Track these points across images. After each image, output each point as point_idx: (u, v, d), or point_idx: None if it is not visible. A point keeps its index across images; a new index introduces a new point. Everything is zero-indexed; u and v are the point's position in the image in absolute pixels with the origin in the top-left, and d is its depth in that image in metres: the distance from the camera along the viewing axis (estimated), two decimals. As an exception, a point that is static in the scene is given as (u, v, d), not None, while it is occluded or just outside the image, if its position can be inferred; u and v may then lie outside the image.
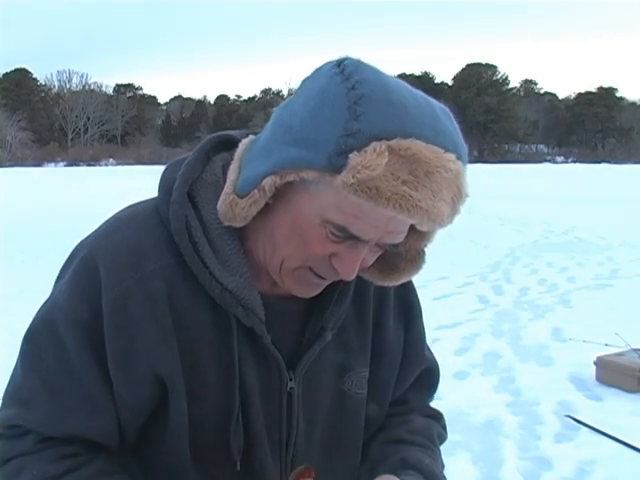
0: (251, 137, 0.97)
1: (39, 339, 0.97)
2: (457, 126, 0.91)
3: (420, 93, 0.90)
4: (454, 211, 0.88)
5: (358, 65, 0.87)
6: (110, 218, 1.02)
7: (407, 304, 1.15)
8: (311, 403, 1.04)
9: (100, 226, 1.01)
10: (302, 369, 1.02)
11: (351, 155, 0.82)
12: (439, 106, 0.91)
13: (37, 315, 0.99)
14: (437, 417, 1.23)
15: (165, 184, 0.98)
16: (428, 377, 1.20)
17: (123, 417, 0.97)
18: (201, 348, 0.96)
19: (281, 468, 1.03)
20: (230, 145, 1.00)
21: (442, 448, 1.20)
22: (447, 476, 1.14)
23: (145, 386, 0.95)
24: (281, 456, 1.03)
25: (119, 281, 0.93)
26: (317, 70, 0.90)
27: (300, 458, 1.04)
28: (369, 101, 0.83)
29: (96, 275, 0.94)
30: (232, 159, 0.96)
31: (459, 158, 0.87)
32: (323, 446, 1.07)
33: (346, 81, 0.85)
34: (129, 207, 1.03)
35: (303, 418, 1.03)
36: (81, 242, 1.01)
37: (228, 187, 0.91)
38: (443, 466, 1.17)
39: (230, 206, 0.90)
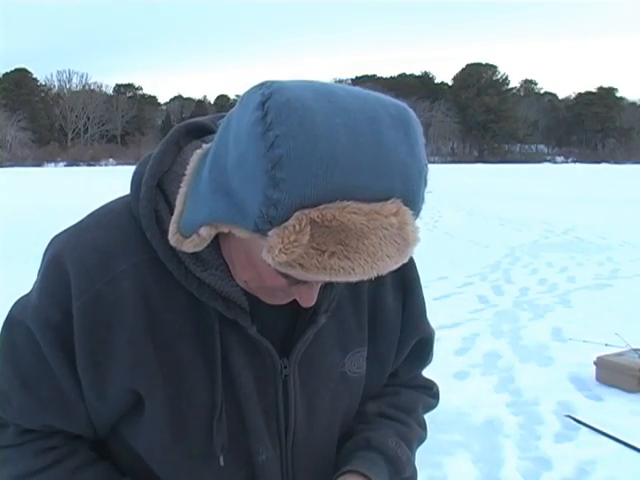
0: (204, 147, 0.92)
1: (14, 330, 0.97)
2: (415, 133, 0.81)
3: (364, 110, 0.78)
4: (402, 257, 0.81)
5: (282, 109, 0.75)
6: (85, 216, 1.01)
7: (405, 279, 1.12)
8: (311, 388, 1.03)
9: (75, 224, 1.00)
10: (297, 355, 1.00)
11: (270, 233, 0.76)
12: (391, 116, 0.79)
13: (15, 305, 1.00)
14: (428, 387, 1.23)
15: (136, 179, 0.96)
16: (421, 348, 1.19)
17: (92, 416, 0.98)
18: (182, 344, 0.95)
19: (281, 457, 1.02)
20: (201, 132, 0.98)
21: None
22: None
23: (114, 391, 0.95)
24: (281, 445, 1.02)
25: (89, 286, 0.92)
26: (249, 96, 0.80)
27: (301, 446, 1.03)
28: (289, 164, 0.74)
29: (66, 278, 0.93)
30: (202, 147, 0.93)
31: (407, 198, 0.78)
32: (325, 430, 1.07)
33: (266, 134, 0.75)
34: (104, 205, 1.01)
35: (303, 404, 1.02)
36: (54, 238, 1.00)
37: (174, 222, 0.89)
38: (421, 438, 1.18)
39: (177, 243, 0.88)
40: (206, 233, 0.85)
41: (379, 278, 1.08)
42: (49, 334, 0.94)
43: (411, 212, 0.79)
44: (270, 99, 0.77)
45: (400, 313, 1.13)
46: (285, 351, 1.00)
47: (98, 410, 0.97)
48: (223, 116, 0.95)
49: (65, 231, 1.00)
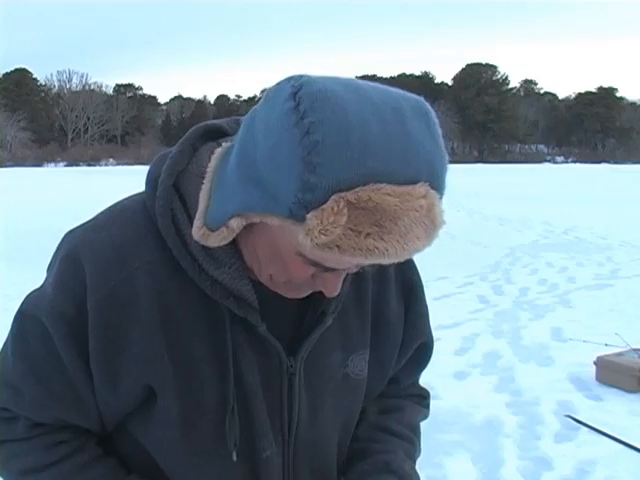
0: (224, 145, 0.94)
1: (27, 325, 0.98)
2: (434, 124, 0.84)
3: (388, 102, 0.81)
4: (429, 240, 0.83)
5: (314, 99, 0.78)
6: (99, 213, 1.02)
7: (409, 284, 1.14)
8: (315, 388, 1.05)
9: (89, 220, 1.01)
10: (303, 354, 1.02)
11: (308, 215, 0.78)
12: (412, 108, 0.83)
13: (27, 299, 1.01)
14: (423, 396, 1.27)
15: (151, 178, 0.98)
16: (422, 352, 1.21)
17: (102, 410, 1.00)
18: (194, 341, 0.96)
19: (283, 453, 1.04)
20: (217, 134, 1.00)
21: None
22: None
23: (125, 386, 0.96)
24: (284, 442, 1.04)
25: (105, 282, 0.94)
26: (277, 90, 0.83)
27: (302, 443, 1.05)
28: (325, 149, 0.77)
29: (81, 273, 0.94)
30: (221, 147, 0.95)
31: (433, 183, 0.81)
32: (326, 429, 1.09)
33: (301, 122, 0.78)
34: (118, 202, 1.03)
35: (306, 403, 1.04)
36: (68, 234, 1.01)
37: (199, 217, 0.90)
38: (420, 452, 1.23)
39: (203, 237, 0.90)
40: (236, 225, 0.86)
41: (383, 281, 1.11)
42: (63, 329, 0.95)
43: (438, 195, 0.82)
44: (301, 90, 0.79)
45: (403, 316, 1.14)
46: (292, 350, 1.02)
47: (109, 404, 0.99)
48: (239, 120, 0.98)
49: (80, 227, 1.01)
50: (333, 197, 0.77)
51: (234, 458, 0.98)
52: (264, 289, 0.97)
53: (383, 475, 1.10)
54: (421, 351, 1.20)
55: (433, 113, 0.86)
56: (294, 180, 0.78)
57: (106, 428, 1.03)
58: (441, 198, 0.83)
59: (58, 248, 1.01)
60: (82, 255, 0.95)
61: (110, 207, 1.02)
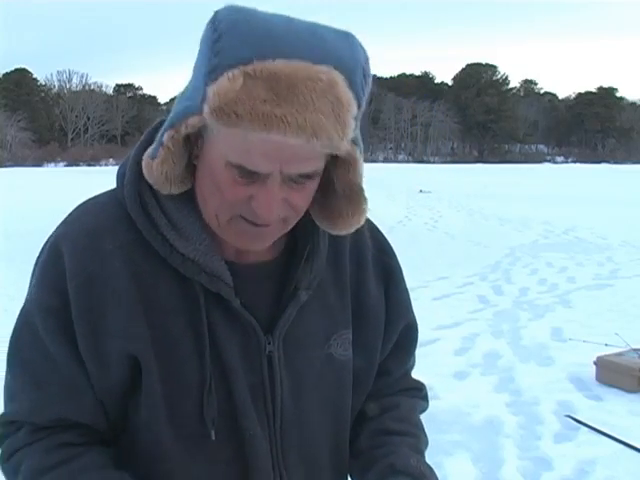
0: None
1: (20, 334, 1.01)
2: (361, 53, 0.89)
3: (307, 23, 0.88)
4: (341, 123, 0.84)
5: (229, 11, 0.87)
6: (73, 209, 1.05)
7: (387, 269, 1.16)
8: (297, 368, 1.05)
9: (65, 217, 1.05)
10: (280, 332, 1.02)
11: (208, 89, 0.84)
12: (334, 30, 0.89)
13: (20, 312, 1.03)
14: (419, 388, 1.26)
15: (121, 172, 1.02)
16: (406, 336, 1.20)
17: (100, 396, 1.00)
18: (171, 320, 0.98)
19: (270, 436, 1.04)
20: None
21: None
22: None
23: (116, 366, 0.98)
24: (269, 424, 1.03)
25: (82, 268, 0.97)
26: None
27: (289, 426, 1.05)
28: (228, 36, 0.84)
29: (61, 263, 0.98)
30: None
31: (338, 70, 0.84)
32: (313, 412, 1.08)
33: (212, 25, 0.86)
34: (91, 197, 1.06)
35: (289, 383, 1.04)
36: (51, 234, 1.04)
37: (146, 156, 0.95)
38: (427, 443, 1.21)
39: (147, 170, 0.94)
40: (168, 137, 0.90)
41: (361, 265, 1.13)
42: (49, 320, 0.97)
43: (343, 77, 0.84)
44: (220, 9, 0.88)
45: (383, 301, 1.15)
46: (270, 329, 1.03)
47: (104, 389, 0.99)
48: None
49: (59, 225, 1.04)
50: (231, 70, 0.82)
51: (212, 437, 0.99)
52: (238, 268, 0.99)
53: (390, 478, 1.09)
54: (406, 334, 1.20)
55: (359, 42, 0.89)
56: (203, 70, 0.85)
57: (110, 419, 1.02)
58: (351, 89, 0.84)
59: (42, 248, 1.03)
60: (61, 245, 0.99)
61: (84, 202, 1.06)
